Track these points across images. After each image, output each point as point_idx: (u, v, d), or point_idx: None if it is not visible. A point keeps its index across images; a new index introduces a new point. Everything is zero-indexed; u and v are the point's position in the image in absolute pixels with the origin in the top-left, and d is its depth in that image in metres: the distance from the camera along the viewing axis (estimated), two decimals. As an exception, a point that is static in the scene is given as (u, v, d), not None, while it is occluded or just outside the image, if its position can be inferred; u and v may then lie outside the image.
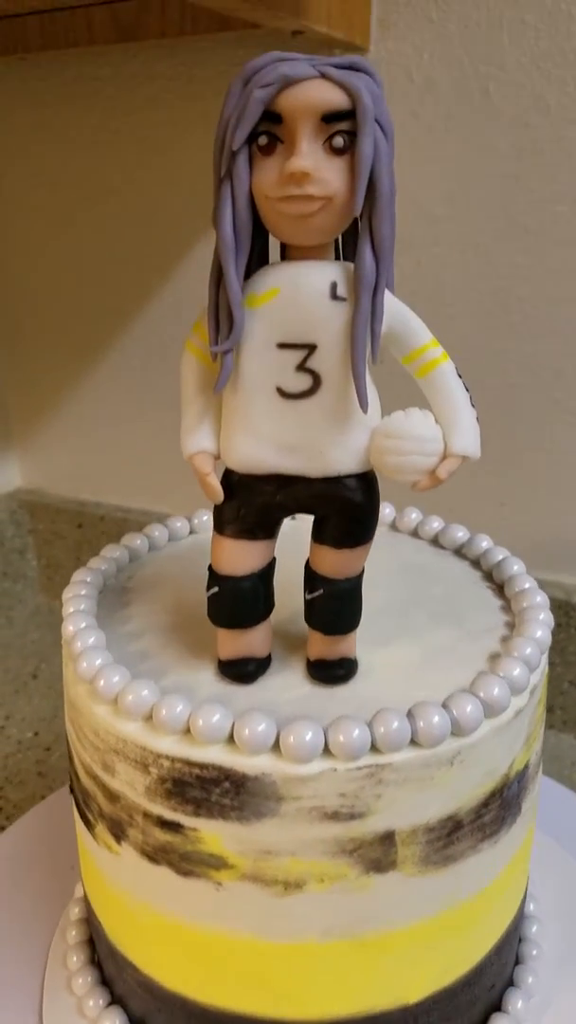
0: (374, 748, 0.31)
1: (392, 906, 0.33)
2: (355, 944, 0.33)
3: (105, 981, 0.41)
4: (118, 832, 0.35)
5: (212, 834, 0.32)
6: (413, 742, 0.31)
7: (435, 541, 0.45)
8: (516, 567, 0.41)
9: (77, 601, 0.39)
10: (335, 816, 0.31)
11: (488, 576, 0.42)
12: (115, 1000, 0.40)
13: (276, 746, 0.31)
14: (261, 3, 0.46)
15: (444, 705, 0.32)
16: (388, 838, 0.32)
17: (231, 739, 0.31)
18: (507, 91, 0.55)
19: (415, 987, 0.35)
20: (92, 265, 0.74)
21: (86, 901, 0.42)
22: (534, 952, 0.42)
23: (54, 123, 0.71)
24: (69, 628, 0.37)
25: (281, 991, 0.34)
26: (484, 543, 0.43)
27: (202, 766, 0.31)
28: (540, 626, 0.36)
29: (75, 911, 0.44)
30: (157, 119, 0.66)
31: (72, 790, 0.39)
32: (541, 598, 0.38)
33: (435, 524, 0.45)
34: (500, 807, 0.34)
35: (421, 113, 0.57)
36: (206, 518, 0.47)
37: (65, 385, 0.80)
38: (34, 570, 0.86)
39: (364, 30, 0.56)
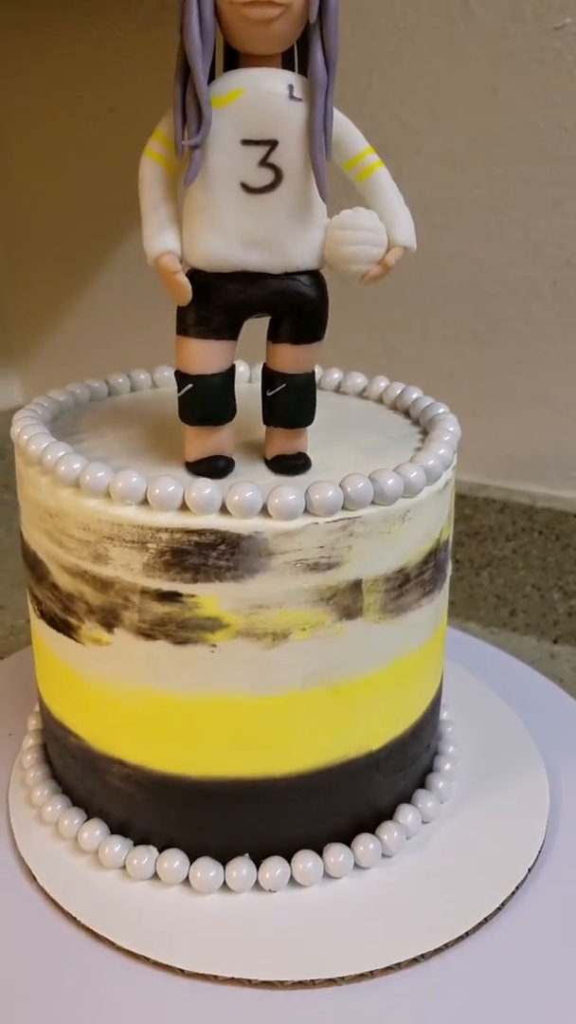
0: (345, 507, 0.37)
1: (359, 652, 0.39)
2: (330, 691, 0.39)
3: (77, 802, 0.44)
4: (111, 620, 0.38)
5: (209, 596, 0.36)
6: (374, 503, 0.37)
7: (338, 390, 0.52)
8: (416, 395, 0.48)
9: (32, 426, 0.41)
10: (315, 567, 0.36)
11: (393, 407, 0.49)
12: (92, 814, 0.43)
13: (263, 511, 0.36)
14: None
15: (396, 471, 0.38)
16: (356, 586, 0.38)
17: (223, 510, 0.36)
18: (486, 1, 0.56)
19: (377, 734, 0.41)
20: (92, 183, 0.75)
21: (50, 723, 0.44)
22: (450, 729, 0.49)
23: (53, 43, 0.72)
24: (32, 447, 0.40)
25: (267, 746, 0.39)
26: (383, 383, 0.50)
27: (200, 532, 0.36)
28: (450, 422, 0.43)
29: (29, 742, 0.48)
30: (154, 38, 0.68)
31: (42, 614, 0.42)
32: (443, 409, 0.45)
33: (335, 375, 0.51)
34: (434, 568, 0.41)
35: (403, 25, 0.59)
36: (167, 373, 0.51)
37: (65, 301, 0.81)
38: None
39: None
